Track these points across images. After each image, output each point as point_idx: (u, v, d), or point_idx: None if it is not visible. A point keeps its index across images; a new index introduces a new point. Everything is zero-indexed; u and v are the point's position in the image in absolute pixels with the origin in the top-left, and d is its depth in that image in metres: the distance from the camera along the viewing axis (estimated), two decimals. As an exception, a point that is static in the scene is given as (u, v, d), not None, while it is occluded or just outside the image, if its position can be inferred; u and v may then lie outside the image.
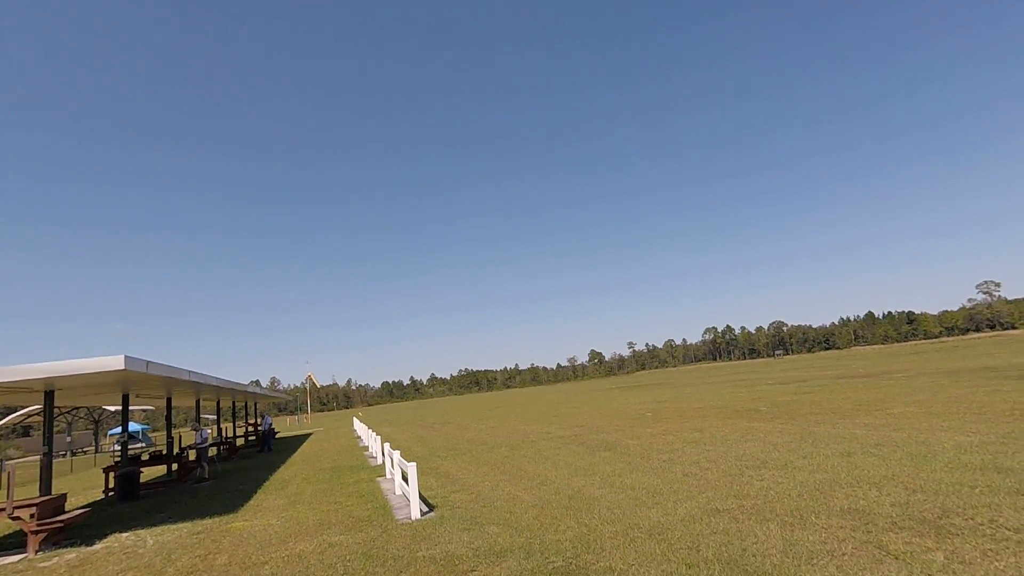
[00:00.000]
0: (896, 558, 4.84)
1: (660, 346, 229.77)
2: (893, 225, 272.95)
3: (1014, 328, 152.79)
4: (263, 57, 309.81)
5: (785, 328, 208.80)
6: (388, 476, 12.61)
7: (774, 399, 22.07)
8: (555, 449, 14.43)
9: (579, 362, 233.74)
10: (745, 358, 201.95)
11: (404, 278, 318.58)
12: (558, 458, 12.80)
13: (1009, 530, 5.22)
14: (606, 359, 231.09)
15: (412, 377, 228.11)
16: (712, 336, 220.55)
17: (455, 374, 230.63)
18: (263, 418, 27.62)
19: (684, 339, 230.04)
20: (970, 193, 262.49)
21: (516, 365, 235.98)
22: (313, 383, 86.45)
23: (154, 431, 72.25)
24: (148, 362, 10.41)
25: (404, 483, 9.90)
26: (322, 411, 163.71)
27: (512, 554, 6.07)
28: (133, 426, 49.44)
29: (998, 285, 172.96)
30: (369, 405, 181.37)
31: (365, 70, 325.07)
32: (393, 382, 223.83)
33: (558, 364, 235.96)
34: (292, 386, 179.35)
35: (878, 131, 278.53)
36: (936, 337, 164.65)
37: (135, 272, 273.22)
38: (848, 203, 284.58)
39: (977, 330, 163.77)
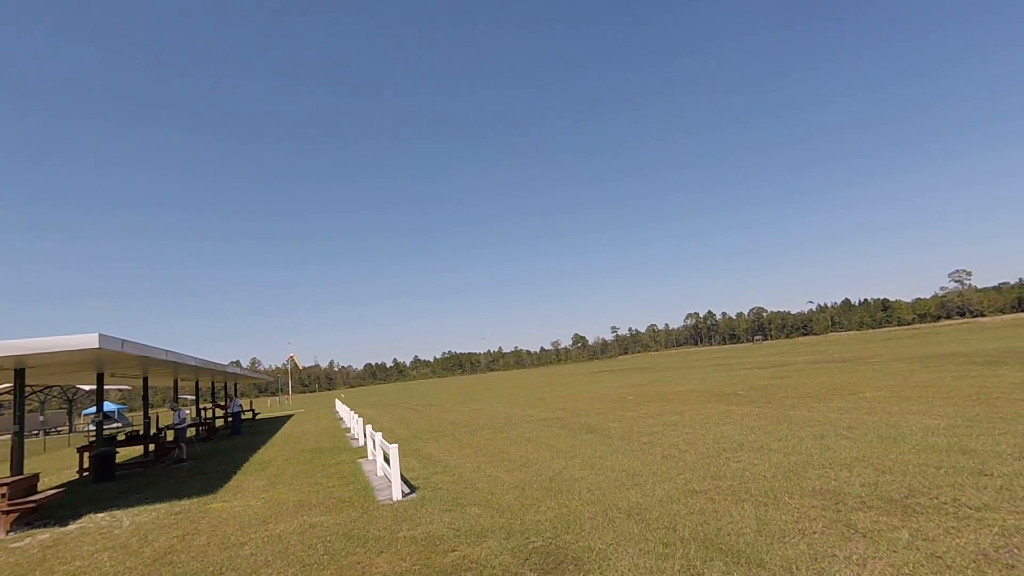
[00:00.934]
0: (864, 536, 4.99)
1: (643, 331, 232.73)
2: (870, 214, 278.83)
3: (983, 316, 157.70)
4: (249, 38, 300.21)
5: (764, 314, 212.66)
6: (370, 458, 12.61)
7: (752, 383, 22.52)
8: (537, 432, 14.57)
9: (563, 346, 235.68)
10: (725, 343, 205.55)
11: (389, 260, 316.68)
12: (540, 440, 12.92)
13: (971, 508, 5.42)
14: (589, 343, 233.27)
15: (395, 359, 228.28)
16: (694, 321, 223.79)
17: (439, 357, 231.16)
18: (232, 400, 27.19)
19: (666, 324, 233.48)
20: (944, 184, 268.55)
21: (500, 348, 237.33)
22: (295, 364, 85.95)
23: (131, 411, 71.26)
24: (124, 341, 10.17)
25: (386, 464, 9.90)
26: (304, 392, 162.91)
27: (493, 534, 6.13)
28: (109, 406, 48.67)
29: (969, 274, 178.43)
30: (352, 387, 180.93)
31: (353, 52, 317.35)
32: (376, 364, 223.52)
33: (542, 348, 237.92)
34: (273, 367, 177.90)
35: (857, 122, 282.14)
36: (909, 324, 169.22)
37: (112, 249, 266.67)
38: (826, 192, 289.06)
39: (948, 317, 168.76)
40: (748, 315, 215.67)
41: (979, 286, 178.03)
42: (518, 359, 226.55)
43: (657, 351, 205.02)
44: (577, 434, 13.27)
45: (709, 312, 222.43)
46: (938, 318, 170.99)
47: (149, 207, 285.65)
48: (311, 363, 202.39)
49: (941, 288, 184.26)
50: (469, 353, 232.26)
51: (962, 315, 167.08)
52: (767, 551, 4.85)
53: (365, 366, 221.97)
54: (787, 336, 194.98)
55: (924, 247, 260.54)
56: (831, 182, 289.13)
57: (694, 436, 11.23)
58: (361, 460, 12.90)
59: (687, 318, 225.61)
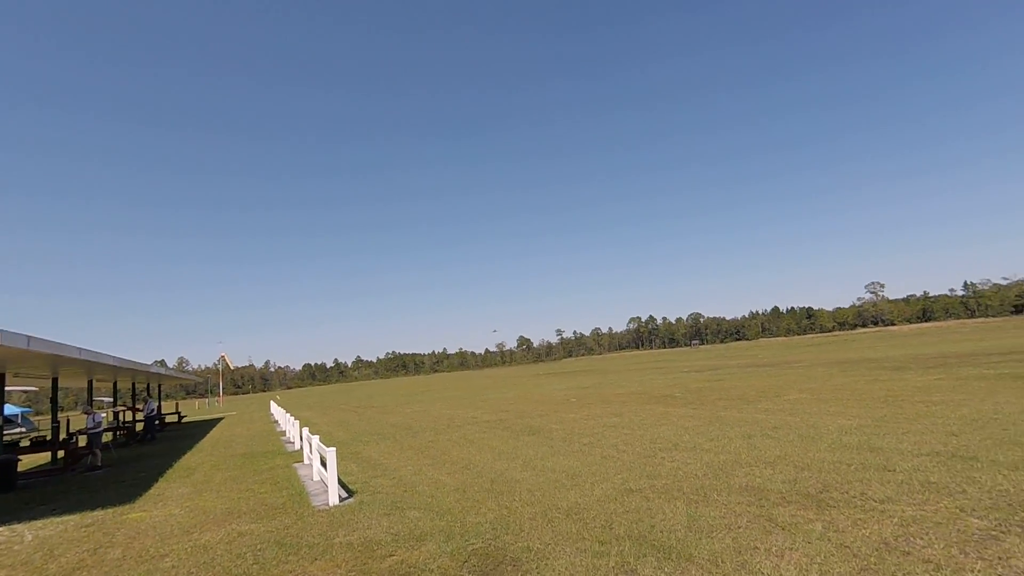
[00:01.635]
0: (783, 529, 5.34)
1: (587, 334, 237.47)
2: (797, 227, 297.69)
3: (893, 325, 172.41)
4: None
5: (702, 319, 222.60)
6: (306, 462, 12.16)
7: (688, 386, 23.52)
8: (480, 433, 14.56)
9: (507, 348, 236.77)
10: (665, 347, 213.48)
11: (329, 258, 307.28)
12: (483, 442, 12.92)
13: (876, 501, 5.92)
14: (534, 345, 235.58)
15: (336, 359, 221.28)
16: (636, 326, 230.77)
17: (382, 357, 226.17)
18: (146, 402, 25.26)
19: (610, 327, 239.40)
20: (864, 201, 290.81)
21: (444, 349, 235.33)
22: (226, 364, 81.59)
23: (37, 415, 65.22)
24: (30, 337, 9.32)
25: (323, 468, 9.58)
26: (236, 394, 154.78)
27: (432, 538, 6.08)
28: (11, 409, 44.24)
29: (883, 286, 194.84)
30: (289, 388, 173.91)
31: (300, 44, 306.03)
32: (316, 364, 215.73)
33: (487, 349, 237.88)
34: (203, 367, 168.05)
35: (787, 143, 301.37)
36: (830, 331, 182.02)
37: (20, 240, 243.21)
38: (759, 204, 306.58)
39: (864, 326, 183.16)
40: (687, 320, 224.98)
41: (891, 297, 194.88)
42: (463, 360, 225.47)
43: (601, 354, 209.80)
44: (520, 436, 13.37)
45: (651, 317, 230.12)
46: (855, 326, 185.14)
47: (72, 196, 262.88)
48: (245, 363, 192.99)
49: (858, 299, 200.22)
50: (413, 354, 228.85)
51: (876, 324, 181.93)
52: (696, 546, 5.08)
53: (304, 366, 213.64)
54: (722, 341, 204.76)
55: (845, 260, 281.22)
56: (764, 195, 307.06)
57: (632, 437, 11.60)
58: (296, 465, 12.42)
59: (630, 322, 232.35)
